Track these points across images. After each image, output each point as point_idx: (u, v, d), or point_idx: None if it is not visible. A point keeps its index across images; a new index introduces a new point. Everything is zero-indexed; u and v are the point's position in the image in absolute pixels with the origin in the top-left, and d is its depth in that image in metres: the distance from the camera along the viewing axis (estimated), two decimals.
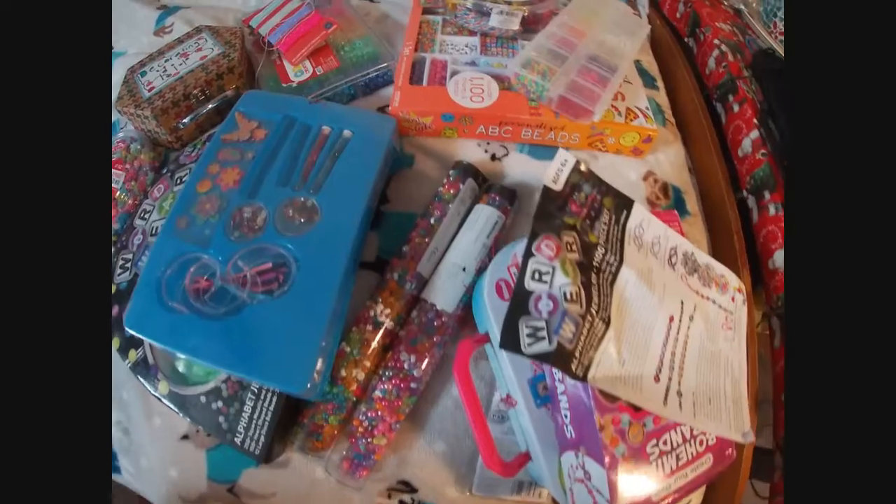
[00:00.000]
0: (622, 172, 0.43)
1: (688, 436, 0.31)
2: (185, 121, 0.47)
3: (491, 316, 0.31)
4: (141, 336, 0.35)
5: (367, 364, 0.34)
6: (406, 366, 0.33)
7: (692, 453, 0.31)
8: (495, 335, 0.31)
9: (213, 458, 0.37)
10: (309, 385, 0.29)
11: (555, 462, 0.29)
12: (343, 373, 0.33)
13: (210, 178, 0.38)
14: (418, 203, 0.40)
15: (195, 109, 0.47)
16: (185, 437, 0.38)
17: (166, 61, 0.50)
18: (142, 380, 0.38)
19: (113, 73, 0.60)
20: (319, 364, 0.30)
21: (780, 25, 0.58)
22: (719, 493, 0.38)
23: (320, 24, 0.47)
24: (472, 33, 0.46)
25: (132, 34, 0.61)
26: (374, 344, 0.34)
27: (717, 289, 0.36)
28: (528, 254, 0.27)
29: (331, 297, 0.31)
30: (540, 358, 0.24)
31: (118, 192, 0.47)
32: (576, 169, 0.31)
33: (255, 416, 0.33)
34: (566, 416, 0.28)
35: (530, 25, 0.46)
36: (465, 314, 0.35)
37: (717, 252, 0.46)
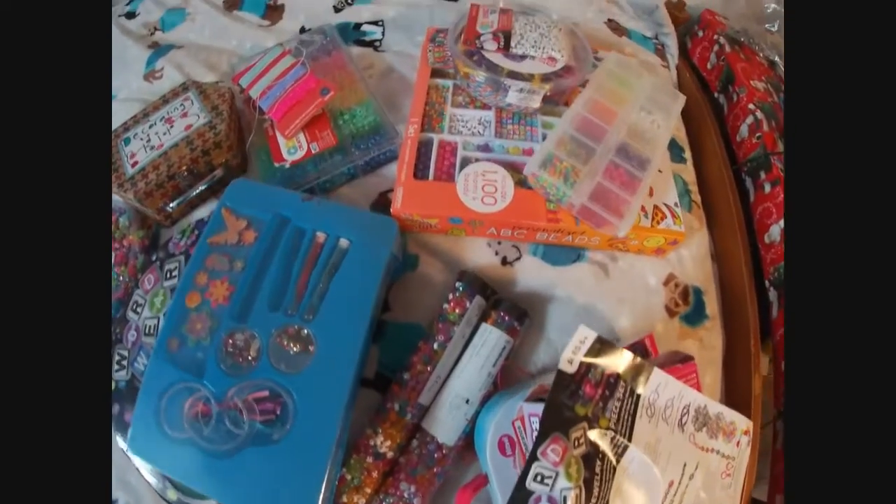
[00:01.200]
0: (642, 277, 0.39)
1: None
2: (172, 204, 0.42)
3: (492, 473, 0.28)
4: (145, 461, 0.34)
5: (368, 491, 0.32)
6: (406, 495, 0.31)
7: None
8: (494, 489, 0.29)
9: None
10: None
11: None
12: (344, 499, 0.32)
13: (199, 290, 0.34)
14: (422, 313, 0.36)
15: (182, 190, 0.42)
16: None
17: (150, 127, 0.44)
18: (151, 481, 0.37)
19: None
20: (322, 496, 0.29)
21: None
22: None
23: (316, 90, 0.41)
24: (485, 106, 0.41)
25: (123, 75, 0.55)
26: (375, 473, 0.32)
27: (723, 438, 0.33)
28: (533, 456, 0.24)
29: (331, 441, 0.29)
30: None
31: (113, 275, 0.44)
32: (599, 345, 0.27)
33: None
34: None
35: (553, 97, 0.40)
36: (467, 443, 0.33)
37: (732, 350, 0.43)
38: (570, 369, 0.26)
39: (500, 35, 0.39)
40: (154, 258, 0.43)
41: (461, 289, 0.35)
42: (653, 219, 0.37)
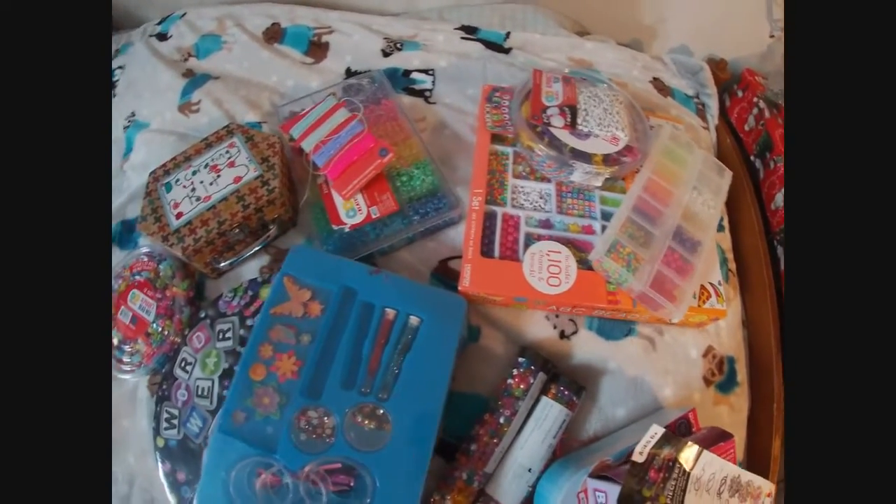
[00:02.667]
0: (685, 350, 0.41)
1: None
2: (223, 264, 0.41)
3: None
4: None
5: None
6: None
7: None
8: None
9: None
10: None
11: None
12: None
13: (263, 363, 0.34)
14: (484, 384, 0.38)
15: (231, 245, 0.41)
16: None
17: (194, 174, 0.43)
18: None
19: (136, 145, 0.52)
20: None
21: None
22: None
23: (375, 151, 0.41)
24: (545, 178, 0.41)
25: (156, 104, 0.52)
26: None
27: (750, 501, 0.37)
28: None
29: None
30: None
31: (150, 326, 0.43)
32: (662, 437, 0.29)
33: None
34: None
35: (616, 177, 0.40)
36: None
37: (756, 413, 0.46)
38: (641, 459, 0.29)
39: (566, 111, 0.39)
40: (203, 315, 0.42)
41: (524, 365, 0.36)
42: (699, 298, 0.39)
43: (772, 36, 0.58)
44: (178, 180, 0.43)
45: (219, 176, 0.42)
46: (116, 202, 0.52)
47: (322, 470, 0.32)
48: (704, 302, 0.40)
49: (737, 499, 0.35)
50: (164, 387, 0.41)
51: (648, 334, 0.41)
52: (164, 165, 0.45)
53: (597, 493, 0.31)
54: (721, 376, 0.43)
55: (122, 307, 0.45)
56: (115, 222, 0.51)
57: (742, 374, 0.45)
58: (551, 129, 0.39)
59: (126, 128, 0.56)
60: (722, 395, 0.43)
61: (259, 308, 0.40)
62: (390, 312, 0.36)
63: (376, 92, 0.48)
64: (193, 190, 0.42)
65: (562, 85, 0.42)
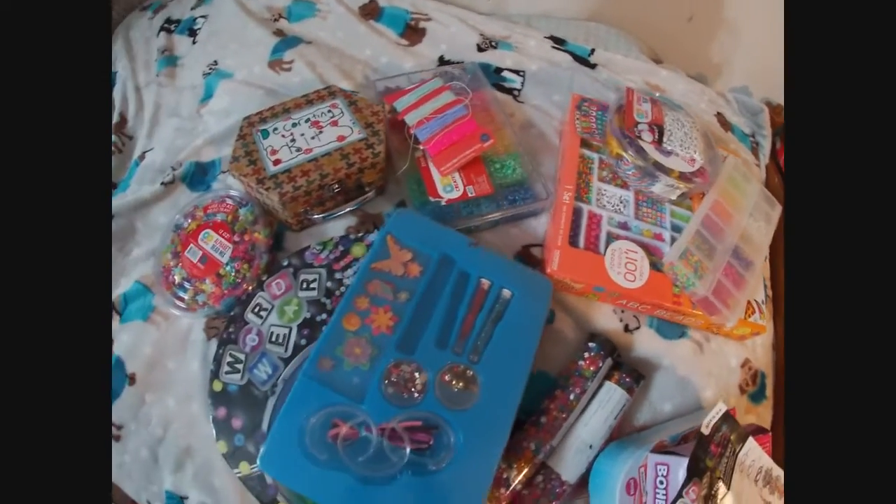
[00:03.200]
0: (726, 358, 0.48)
1: None
2: (317, 216, 0.45)
3: None
4: (279, 480, 0.37)
5: None
6: None
7: None
8: None
9: None
10: None
11: None
12: None
13: (359, 314, 0.39)
14: (554, 363, 0.43)
15: (327, 204, 0.45)
16: None
17: (294, 126, 0.47)
18: (251, 490, 0.40)
19: (217, 92, 0.55)
20: None
21: None
22: None
23: (476, 135, 0.47)
24: (625, 185, 0.48)
25: (243, 57, 0.56)
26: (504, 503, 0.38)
27: (777, 495, 0.44)
28: (679, 495, 0.32)
29: (490, 475, 0.35)
30: None
31: (223, 269, 0.46)
32: (724, 415, 0.36)
33: None
34: None
35: (686, 195, 0.48)
36: (580, 483, 0.40)
37: (776, 426, 0.53)
38: (707, 432, 0.35)
39: (654, 128, 0.47)
40: (286, 263, 0.46)
41: (595, 349, 0.42)
42: (745, 312, 0.46)
43: None
44: (276, 129, 0.47)
45: (321, 132, 0.46)
46: (191, 144, 0.56)
47: (402, 427, 0.35)
48: (749, 316, 0.47)
49: (767, 490, 0.42)
50: (231, 330, 0.44)
51: (698, 339, 0.47)
52: (259, 113, 0.49)
53: (658, 467, 0.37)
54: (754, 387, 0.50)
55: (191, 245, 0.47)
56: (188, 162, 0.54)
57: (769, 390, 0.52)
58: (640, 142, 0.46)
59: (206, 74, 0.60)
60: (752, 405, 0.50)
61: (349, 263, 0.44)
62: (485, 283, 0.41)
63: (470, 82, 0.54)
64: (293, 141, 0.46)
65: (650, 105, 0.49)
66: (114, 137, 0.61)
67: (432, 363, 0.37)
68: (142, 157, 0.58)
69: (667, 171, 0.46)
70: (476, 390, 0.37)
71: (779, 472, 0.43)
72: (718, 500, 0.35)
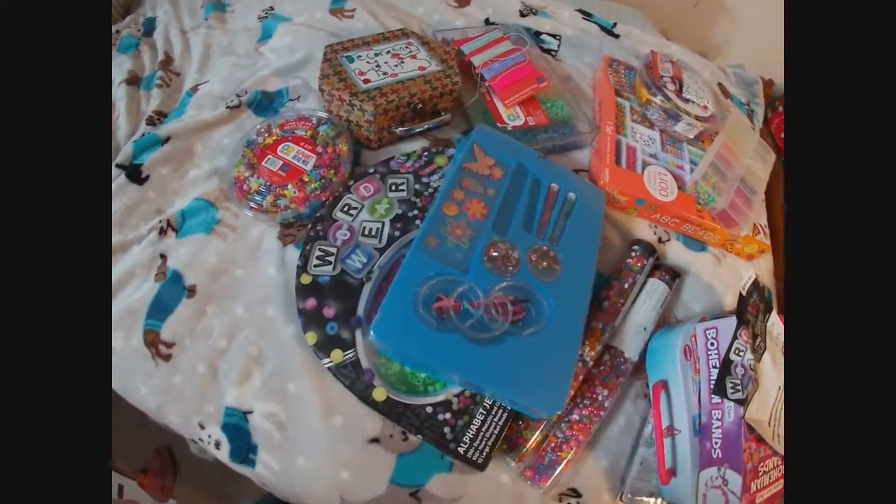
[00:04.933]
0: (739, 272, 0.69)
1: (774, 465, 0.58)
2: (400, 129, 0.62)
3: (679, 369, 0.54)
4: (394, 347, 0.47)
5: (570, 392, 0.55)
6: (600, 398, 0.55)
7: (775, 476, 0.58)
8: (678, 382, 0.54)
9: (403, 463, 0.50)
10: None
11: (695, 476, 0.53)
12: None
13: (456, 203, 0.55)
14: (604, 264, 0.61)
15: (407, 120, 0.63)
16: (375, 440, 0.50)
17: (377, 56, 0.64)
18: (343, 380, 0.50)
19: (277, 32, 0.72)
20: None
21: None
22: None
23: (533, 76, 0.67)
24: (652, 127, 0.70)
25: (302, 3, 0.73)
26: (581, 376, 0.55)
27: None
28: (734, 337, 0.51)
29: (579, 336, 0.50)
30: (736, 402, 0.49)
31: (307, 175, 0.61)
32: (754, 282, 0.56)
33: (484, 430, 0.49)
34: (717, 443, 0.53)
35: (701, 136, 0.71)
36: (640, 361, 0.58)
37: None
38: (744, 293, 0.55)
39: (676, 81, 0.70)
40: (372, 170, 0.61)
41: (639, 251, 0.61)
42: (753, 231, 0.69)
43: None
44: (360, 56, 0.64)
45: (402, 62, 0.64)
46: (253, 76, 0.70)
47: (507, 300, 0.49)
48: (756, 235, 0.70)
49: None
50: (319, 228, 0.56)
51: (716, 254, 0.68)
52: (340, 43, 0.65)
53: (707, 332, 0.55)
54: (763, 304, 0.72)
55: (269, 156, 0.60)
56: (253, 90, 0.69)
57: (775, 307, 0.74)
58: (666, 91, 0.69)
59: (262, 18, 0.76)
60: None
61: (434, 171, 0.60)
62: (554, 186, 0.59)
63: (517, 40, 0.75)
64: (378, 66, 0.62)
65: (670, 65, 0.73)
66: (159, 72, 0.74)
67: (522, 243, 0.53)
68: (195, 88, 0.71)
69: (687, 113, 0.69)
70: (558, 267, 0.54)
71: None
72: (761, 353, 0.54)
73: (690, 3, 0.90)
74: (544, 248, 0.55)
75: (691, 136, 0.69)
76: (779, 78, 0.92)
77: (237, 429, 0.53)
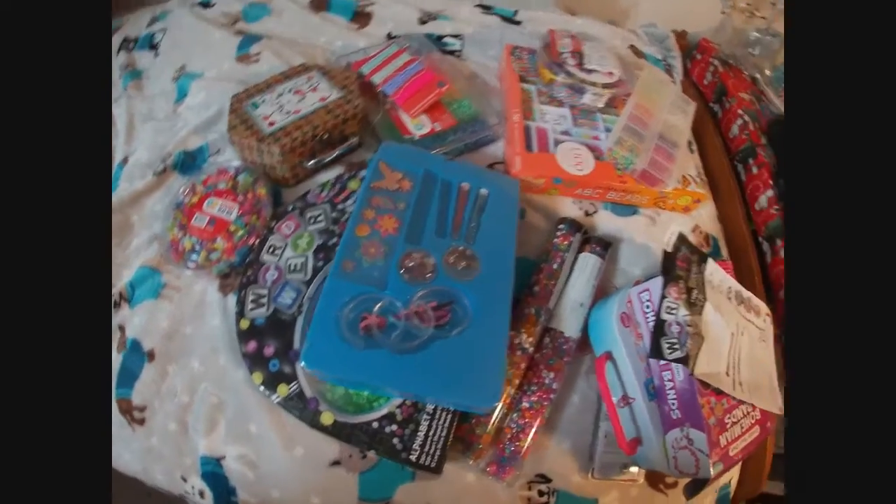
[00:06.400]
0: (678, 227, 0.69)
1: (745, 413, 0.57)
2: (311, 163, 0.64)
3: (619, 338, 0.54)
4: (325, 372, 0.49)
5: (516, 381, 0.55)
6: (547, 381, 0.55)
7: (748, 424, 0.57)
8: (621, 351, 0.54)
9: (366, 480, 0.52)
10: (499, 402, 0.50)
11: (661, 440, 0.53)
12: None
13: (367, 223, 0.56)
14: (532, 249, 0.62)
15: (317, 152, 0.64)
16: (336, 462, 0.52)
17: (279, 97, 0.66)
18: (293, 412, 0.52)
19: (192, 90, 0.74)
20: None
21: None
22: (751, 467, 0.65)
23: (434, 82, 0.68)
24: (561, 105, 0.70)
25: (210, 57, 0.76)
26: (522, 365, 0.55)
27: (754, 314, 0.64)
28: (663, 296, 0.51)
29: (505, 326, 0.51)
30: (675, 361, 0.49)
31: (233, 226, 0.63)
32: (679, 236, 0.56)
33: (431, 434, 0.50)
34: (673, 404, 0.52)
35: (613, 103, 0.71)
36: (582, 339, 0.58)
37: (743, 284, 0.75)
38: (670, 249, 0.55)
39: (576, 54, 0.70)
40: (291, 207, 0.63)
41: (565, 228, 0.62)
42: (683, 183, 0.68)
43: (723, 12, 0.96)
44: (264, 101, 0.66)
45: (304, 97, 0.66)
46: (174, 138, 0.73)
47: (429, 307, 0.50)
48: (686, 186, 0.69)
49: (743, 308, 0.61)
50: (249, 273, 0.58)
51: (649, 214, 0.68)
52: (245, 91, 0.67)
53: (640, 295, 0.55)
54: (709, 247, 0.71)
55: (197, 214, 0.63)
56: (176, 152, 0.71)
57: (725, 252, 0.74)
58: (566, 67, 0.69)
59: (176, 79, 0.79)
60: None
61: (348, 196, 0.62)
62: (465, 185, 0.60)
63: (419, 48, 0.76)
64: (282, 107, 0.65)
65: (570, 39, 0.73)
66: None
67: (437, 248, 0.54)
68: (124, 160, 0.74)
69: (591, 84, 0.69)
70: (477, 265, 0.55)
71: (749, 294, 0.63)
72: (701, 306, 0.54)
73: None
74: (460, 248, 0.55)
75: (601, 105, 0.69)
76: (690, 28, 0.92)
77: (215, 475, 0.56)
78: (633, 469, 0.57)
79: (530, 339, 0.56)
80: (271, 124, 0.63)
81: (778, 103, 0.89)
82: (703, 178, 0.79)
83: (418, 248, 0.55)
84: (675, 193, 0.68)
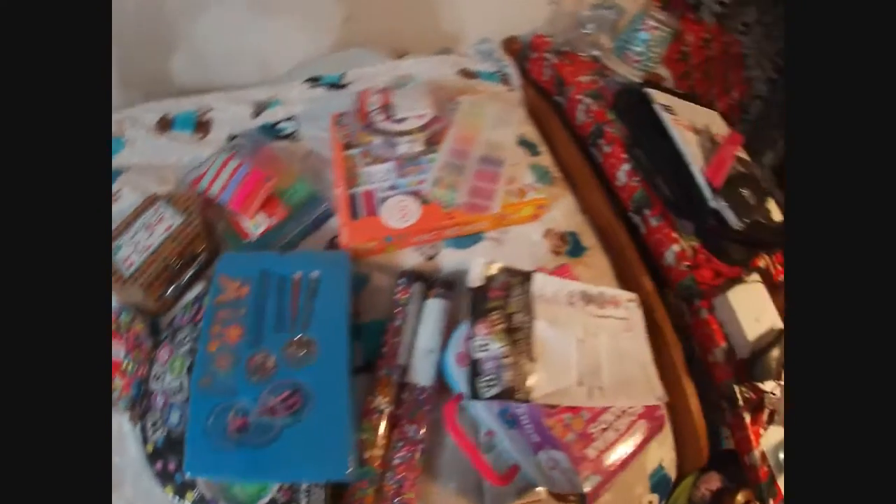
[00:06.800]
0: (528, 237, 0.70)
1: (617, 415, 0.57)
2: (169, 291, 0.69)
3: (459, 380, 0.56)
4: (205, 477, 0.55)
5: (383, 442, 0.57)
6: (410, 434, 0.57)
7: (626, 423, 0.57)
8: (466, 392, 0.56)
9: None
10: (349, 469, 0.53)
11: (534, 462, 0.54)
12: (366, 455, 0.57)
13: (216, 338, 0.60)
14: (382, 310, 0.64)
15: (175, 279, 0.69)
16: None
17: (135, 235, 0.72)
18: None
19: None
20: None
21: (633, 55, 0.91)
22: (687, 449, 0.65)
23: (262, 179, 0.72)
24: (385, 160, 0.73)
25: None
26: (383, 426, 0.57)
27: (611, 307, 0.64)
28: (470, 335, 0.53)
29: (345, 403, 0.54)
30: (495, 398, 0.50)
31: (124, 363, 0.68)
32: (488, 266, 0.58)
33: None
34: (529, 429, 0.54)
35: (433, 140, 0.73)
36: (441, 383, 0.60)
37: (618, 268, 0.75)
38: (478, 283, 0.56)
39: (384, 109, 0.73)
40: (164, 336, 0.68)
41: (403, 282, 0.64)
42: (519, 196, 0.70)
43: (552, 2, 0.97)
44: (123, 243, 0.71)
45: (153, 231, 0.71)
46: None
47: (277, 401, 0.57)
48: (524, 196, 0.70)
49: (594, 307, 0.62)
50: (144, 403, 0.64)
51: (495, 236, 0.70)
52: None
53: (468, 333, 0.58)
54: (566, 246, 0.72)
55: None
56: None
57: (590, 242, 0.74)
58: (377, 125, 0.72)
59: None
60: (574, 259, 0.71)
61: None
62: (297, 275, 0.64)
63: (254, 144, 0.80)
64: (136, 245, 0.70)
65: (379, 94, 0.76)
66: None
67: (276, 344, 0.58)
68: None
69: (405, 133, 0.71)
70: (315, 349, 0.58)
71: (600, 290, 0.63)
72: (530, 328, 0.55)
73: (401, 14, 0.92)
74: (296, 338, 0.59)
75: (419, 149, 0.71)
76: (527, 29, 0.93)
77: None
78: (539, 488, 0.59)
79: (386, 400, 0.58)
80: (130, 265, 0.68)
81: (623, 71, 0.89)
82: (557, 174, 0.80)
83: (259, 348, 0.59)
84: (513, 208, 0.69)
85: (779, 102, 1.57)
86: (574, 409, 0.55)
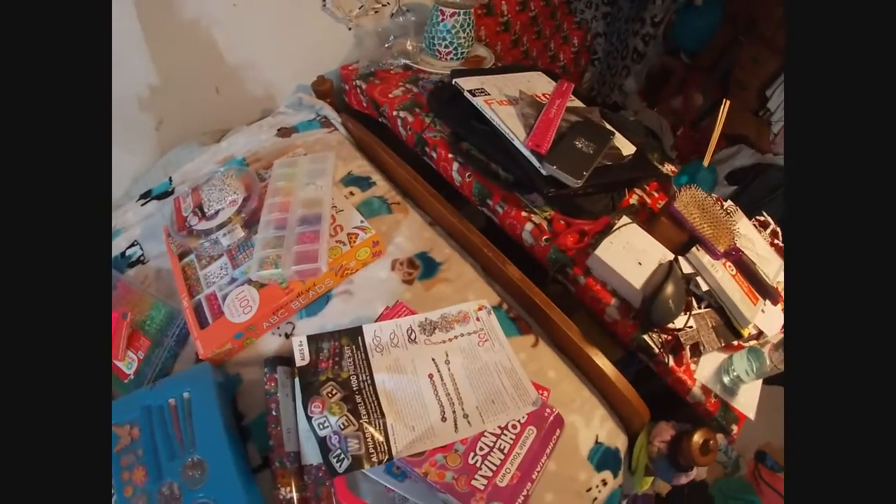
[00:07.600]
0: (376, 277, 0.71)
1: (498, 431, 0.58)
2: None
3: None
4: None
5: None
6: None
7: (512, 437, 0.58)
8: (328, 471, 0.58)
9: None
10: None
11: (441, 500, 0.56)
12: None
13: (127, 484, 0.63)
14: (262, 404, 0.66)
15: None
16: None
17: None
18: None
19: None
20: None
21: (443, 48, 0.89)
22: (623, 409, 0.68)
23: (119, 318, 0.73)
24: (219, 255, 0.74)
25: None
26: None
27: (459, 325, 0.64)
28: (308, 417, 0.54)
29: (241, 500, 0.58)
30: (348, 470, 0.52)
31: None
32: (312, 340, 0.59)
33: None
34: (415, 477, 0.55)
35: (252, 219, 0.73)
36: None
37: (485, 262, 0.75)
38: (305, 362, 0.57)
39: (197, 210, 0.73)
40: None
41: (268, 371, 0.65)
42: (350, 242, 0.70)
43: (349, 28, 0.95)
44: None
45: None
46: None
47: None
48: (355, 240, 0.70)
49: (439, 332, 0.63)
50: None
51: (343, 289, 0.70)
52: None
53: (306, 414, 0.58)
54: (418, 270, 0.72)
55: None
56: None
57: (443, 255, 0.74)
58: (194, 228, 0.72)
59: None
60: (430, 280, 0.72)
61: None
62: (172, 401, 0.66)
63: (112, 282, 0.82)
64: None
65: (191, 195, 0.76)
66: None
67: (174, 472, 0.61)
68: None
69: (224, 224, 0.72)
70: (205, 465, 0.61)
71: (442, 312, 0.64)
72: (371, 384, 0.56)
73: (210, 99, 0.91)
74: (187, 461, 0.61)
75: (241, 235, 0.72)
76: (334, 65, 0.92)
77: None
78: None
79: (288, 488, 0.60)
80: None
81: (438, 68, 0.87)
82: (396, 199, 0.79)
83: (164, 481, 0.61)
84: (348, 256, 0.69)
85: (620, 31, 1.52)
86: (444, 448, 0.56)
